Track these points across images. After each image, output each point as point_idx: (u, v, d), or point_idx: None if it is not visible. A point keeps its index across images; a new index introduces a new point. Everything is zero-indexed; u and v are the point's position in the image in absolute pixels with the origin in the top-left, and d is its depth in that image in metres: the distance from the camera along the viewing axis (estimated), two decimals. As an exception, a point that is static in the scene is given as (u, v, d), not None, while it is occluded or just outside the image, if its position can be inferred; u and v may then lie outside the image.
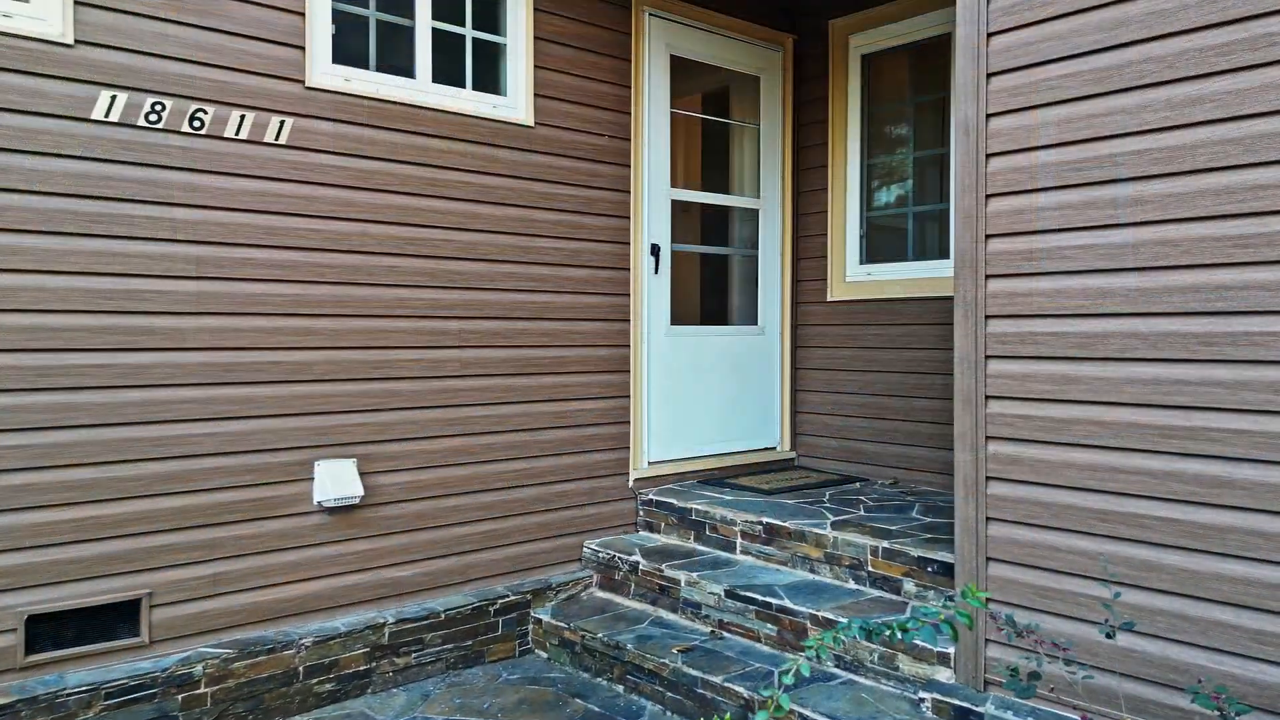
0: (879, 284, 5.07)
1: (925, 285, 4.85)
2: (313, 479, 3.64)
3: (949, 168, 4.87)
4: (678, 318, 5.30)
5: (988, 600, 2.95)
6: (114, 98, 3.15)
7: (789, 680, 1.34)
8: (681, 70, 4.98)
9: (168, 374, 3.31)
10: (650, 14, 4.67)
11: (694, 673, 3.43)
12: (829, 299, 5.28)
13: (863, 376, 5.15)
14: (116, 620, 3.23)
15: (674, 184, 4.87)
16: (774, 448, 5.39)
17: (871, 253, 5.24)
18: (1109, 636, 2.02)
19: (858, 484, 4.96)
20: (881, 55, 5.18)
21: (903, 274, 5.00)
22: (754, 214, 5.36)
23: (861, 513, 4.20)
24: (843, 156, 5.23)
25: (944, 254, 4.90)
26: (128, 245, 3.21)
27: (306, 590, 3.63)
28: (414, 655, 3.81)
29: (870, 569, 3.69)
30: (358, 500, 3.71)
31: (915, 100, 5.09)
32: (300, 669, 3.51)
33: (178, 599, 3.33)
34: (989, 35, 2.93)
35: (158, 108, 3.24)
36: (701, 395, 5.00)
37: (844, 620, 3.32)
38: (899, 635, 1.55)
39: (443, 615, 3.89)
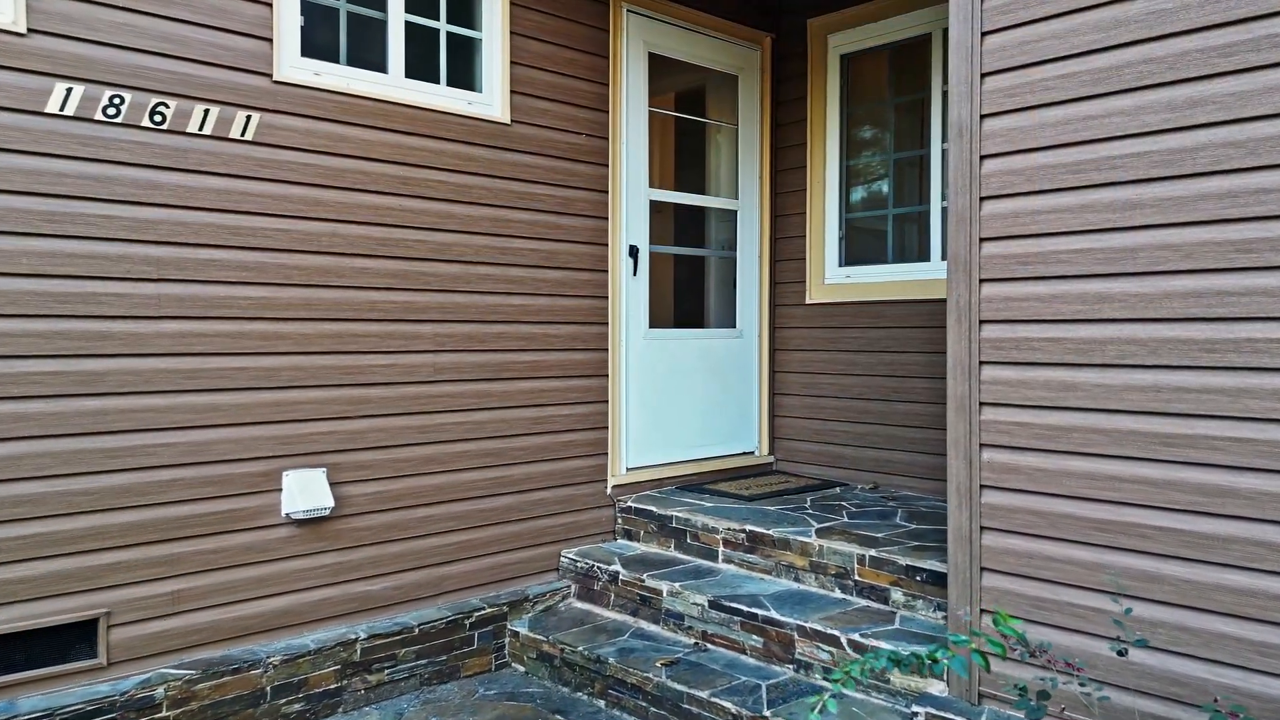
0: (858, 286, 5.01)
1: (905, 288, 4.80)
2: (280, 490, 3.49)
3: (929, 169, 4.82)
4: (655, 320, 5.21)
5: (983, 612, 2.89)
6: (70, 90, 2.98)
7: (815, 718, 1.24)
8: (657, 68, 4.88)
9: (125, 381, 3.14)
10: (629, 10, 4.56)
11: (679, 687, 3.33)
12: (808, 301, 5.21)
13: (842, 380, 5.09)
14: (72, 641, 3.06)
15: (651, 184, 4.77)
16: (752, 452, 5.31)
17: (851, 255, 5.18)
18: (1121, 654, 1.95)
19: (838, 489, 4.90)
20: (861, 55, 5.12)
21: (882, 276, 4.95)
22: (731, 215, 5.28)
23: (845, 519, 4.13)
24: (821, 157, 5.17)
25: (924, 256, 4.86)
26: (83, 246, 3.04)
27: (274, 606, 3.47)
28: (387, 672, 3.67)
29: (857, 578, 3.61)
30: (328, 511, 3.56)
31: (895, 101, 5.04)
32: (268, 689, 3.36)
33: (137, 618, 3.17)
34: (983, 34, 2.86)
35: (116, 101, 3.07)
36: (680, 399, 4.91)
37: (871, 650, 3.23)
38: (929, 666, 1.46)
39: (416, 630, 3.75)
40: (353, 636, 3.59)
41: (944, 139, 4.76)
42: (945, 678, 2.98)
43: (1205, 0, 2.43)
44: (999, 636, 1.74)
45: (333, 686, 3.52)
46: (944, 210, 4.76)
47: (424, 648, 3.77)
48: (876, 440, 4.95)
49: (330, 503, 3.55)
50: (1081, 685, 1.86)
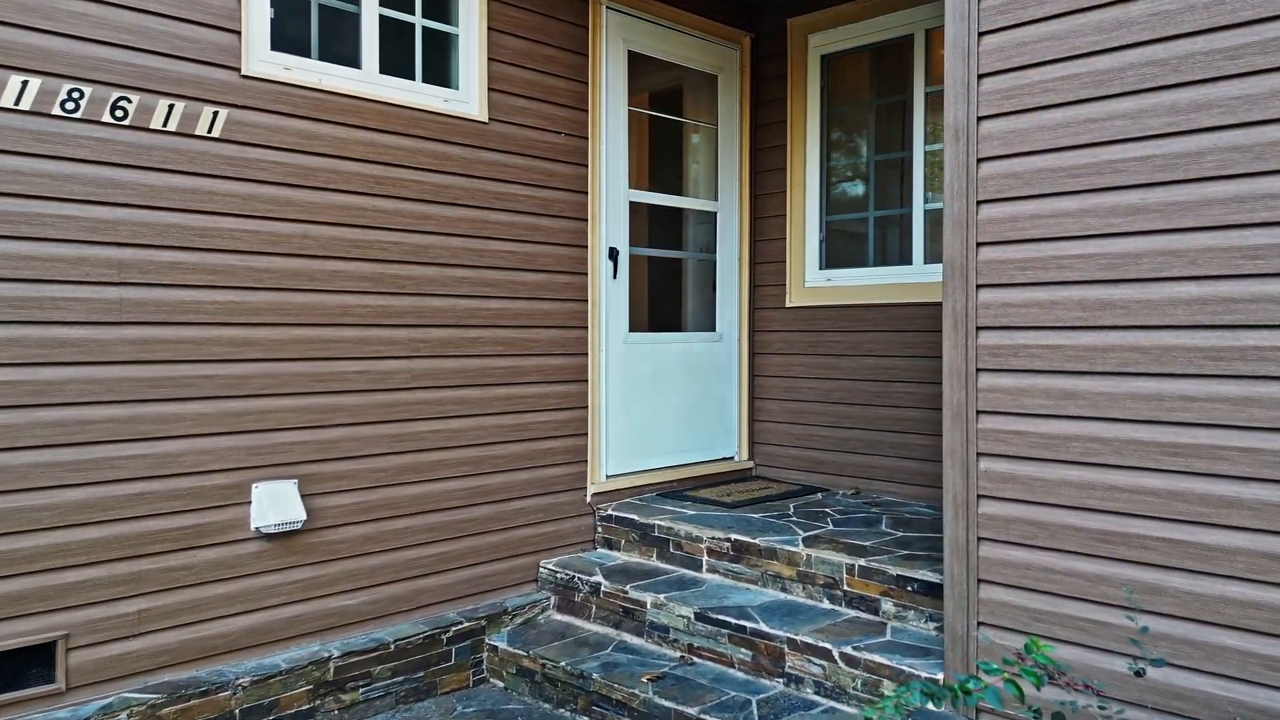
0: (839, 290, 4.95)
1: (887, 291, 4.74)
2: (250, 503, 3.34)
3: (911, 171, 4.77)
4: (634, 324, 5.10)
5: (980, 624, 2.83)
6: (25, 83, 2.82)
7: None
8: (636, 67, 4.78)
9: (85, 390, 2.98)
10: (608, 8, 4.46)
11: (666, 704, 3.23)
12: (788, 305, 5.15)
13: (822, 384, 5.03)
14: (28, 666, 2.89)
15: (631, 185, 4.66)
16: (732, 457, 5.24)
17: (831, 258, 5.12)
18: (1139, 674, 1.89)
19: (819, 494, 4.83)
20: (842, 56, 5.06)
21: (863, 280, 4.89)
22: (710, 217, 5.19)
23: (830, 526, 4.06)
24: (802, 159, 5.10)
25: (906, 259, 4.81)
26: (39, 248, 2.88)
27: (243, 624, 3.32)
28: (361, 690, 3.53)
29: (846, 588, 3.54)
30: (300, 524, 3.42)
31: (876, 102, 4.99)
32: (236, 711, 3.21)
33: (99, 639, 3.01)
34: (980, 34, 2.80)
35: (75, 95, 2.91)
36: (660, 405, 4.81)
37: (903, 685, 3.12)
38: (961, 698, 1.38)
39: (392, 646, 3.62)
40: (326, 654, 3.45)
41: (926, 141, 4.71)
42: (941, 692, 2.91)
43: (1211, 2, 2.38)
44: (1013, 655, 1.66)
45: (305, 707, 3.38)
46: (926, 213, 4.71)
47: (400, 664, 3.64)
48: (858, 445, 4.89)
49: (302, 515, 3.41)
50: (1101, 707, 1.80)
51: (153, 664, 3.12)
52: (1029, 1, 2.70)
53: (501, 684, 3.87)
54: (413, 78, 3.81)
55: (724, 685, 3.36)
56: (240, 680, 3.22)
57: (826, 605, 3.59)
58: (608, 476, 4.54)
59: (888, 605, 3.43)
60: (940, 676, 2.93)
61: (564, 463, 4.34)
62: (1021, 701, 1.43)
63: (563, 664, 3.59)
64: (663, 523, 4.16)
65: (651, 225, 5.58)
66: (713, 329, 5.19)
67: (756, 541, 3.82)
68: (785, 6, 5.13)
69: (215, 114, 3.21)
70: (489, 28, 3.97)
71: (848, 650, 3.17)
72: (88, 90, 2.93)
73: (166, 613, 3.15)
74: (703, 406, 5.05)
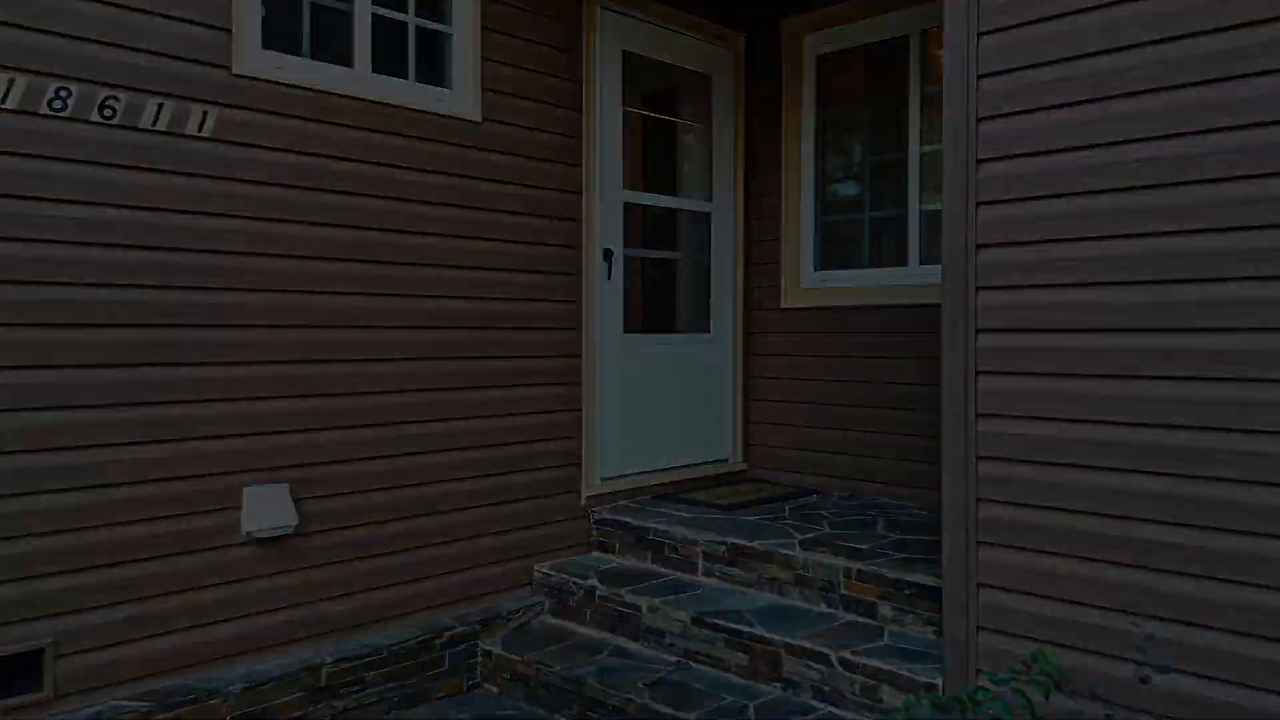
0: (834, 291, 4.93)
1: (882, 293, 4.72)
2: (241, 507, 3.29)
3: (907, 172, 4.76)
4: (628, 325, 5.07)
5: (979, 629, 2.81)
6: (12, 82, 2.77)
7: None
8: (630, 68, 4.75)
9: (75, 393, 2.93)
10: (603, 7, 4.42)
11: (664, 709, 3.20)
12: (783, 306, 5.12)
13: (818, 385, 5.00)
14: (15, 674, 2.84)
15: (625, 186, 4.63)
16: (726, 459, 5.21)
17: (827, 259, 5.10)
18: (1143, 681, 1.87)
19: (814, 496, 4.81)
20: (837, 56, 5.04)
21: (859, 281, 4.87)
22: (704, 218, 5.16)
23: (827, 529, 4.04)
24: (796, 160, 5.08)
25: (901, 261, 4.79)
26: (28, 249, 2.83)
27: (234, 631, 3.28)
28: (354, 697, 3.49)
29: (843, 591, 3.52)
30: (291, 529, 3.38)
31: (872, 103, 4.97)
32: (228, 719, 3.16)
33: (87, 647, 2.96)
34: (980, 35, 2.78)
35: (63, 94, 2.86)
36: (654, 406, 4.78)
37: (913, 696, 3.10)
38: (970, 708, 1.36)
39: (385, 651, 3.58)
40: (318, 660, 3.40)
41: (922, 142, 4.70)
42: (941, 695, 2.89)
43: (1214, 2, 2.37)
44: (1017, 662, 1.64)
45: (298, 714, 3.33)
46: (922, 214, 4.70)
47: (393, 670, 3.60)
48: (853, 447, 4.87)
49: (294, 519, 3.37)
50: (1108, 715, 1.79)
51: (142, 671, 3.07)
52: (1029, 1, 2.68)
53: (496, 689, 3.83)
54: (406, 77, 3.77)
55: (721, 690, 3.33)
56: (232, 687, 3.18)
57: (824, 609, 3.57)
58: (602, 479, 4.50)
59: (885, 609, 3.40)
60: (939, 681, 2.91)
61: (558, 465, 4.31)
62: (1030, 711, 1.41)
63: (557, 669, 3.56)
64: (658, 526, 4.13)
65: (646, 226, 5.56)
66: (707, 330, 5.17)
67: (753, 545, 3.80)
68: (780, 7, 5.10)
69: (206, 113, 3.16)
70: (483, 27, 3.93)
71: (846, 654, 3.15)
72: (75, 89, 2.89)
73: (157, 619, 3.10)
74: (697, 408, 5.02)
